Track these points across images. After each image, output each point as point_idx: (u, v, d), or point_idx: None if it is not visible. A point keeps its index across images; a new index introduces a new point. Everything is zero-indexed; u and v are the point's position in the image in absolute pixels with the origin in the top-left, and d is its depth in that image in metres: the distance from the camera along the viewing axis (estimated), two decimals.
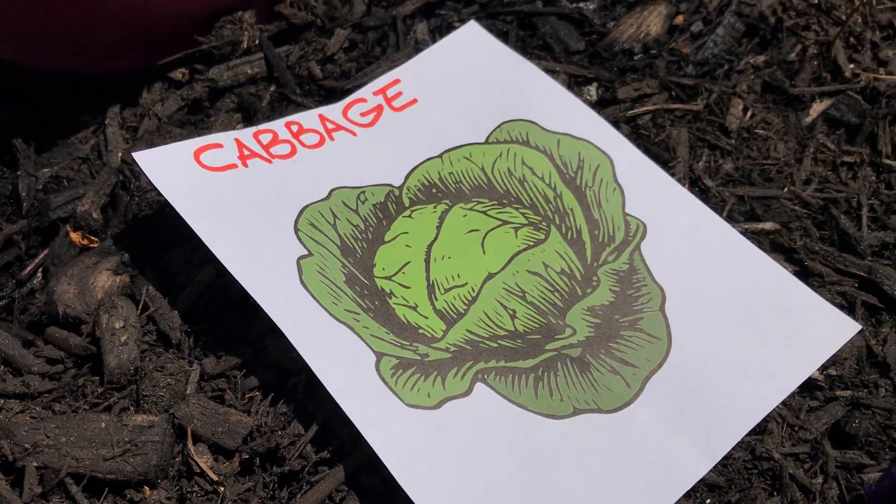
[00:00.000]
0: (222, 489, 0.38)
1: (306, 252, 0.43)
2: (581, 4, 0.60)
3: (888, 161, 0.54)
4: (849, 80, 0.58)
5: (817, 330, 0.43)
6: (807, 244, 0.48)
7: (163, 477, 0.38)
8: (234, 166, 0.46)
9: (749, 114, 0.55)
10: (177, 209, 0.43)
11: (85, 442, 0.38)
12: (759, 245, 0.47)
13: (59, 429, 0.39)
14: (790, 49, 0.59)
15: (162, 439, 0.38)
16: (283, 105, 0.53)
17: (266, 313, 0.40)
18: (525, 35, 0.59)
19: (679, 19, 0.60)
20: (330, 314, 0.41)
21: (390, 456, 0.36)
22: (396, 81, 0.53)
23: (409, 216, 0.46)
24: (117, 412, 0.40)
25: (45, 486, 0.38)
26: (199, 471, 0.38)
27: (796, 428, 0.42)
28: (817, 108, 0.56)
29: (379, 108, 0.51)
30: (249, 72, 0.54)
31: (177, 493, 0.38)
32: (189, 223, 0.42)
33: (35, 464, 0.38)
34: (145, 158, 0.44)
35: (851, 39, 0.61)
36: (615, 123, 0.52)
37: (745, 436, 0.41)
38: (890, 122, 0.56)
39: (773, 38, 0.60)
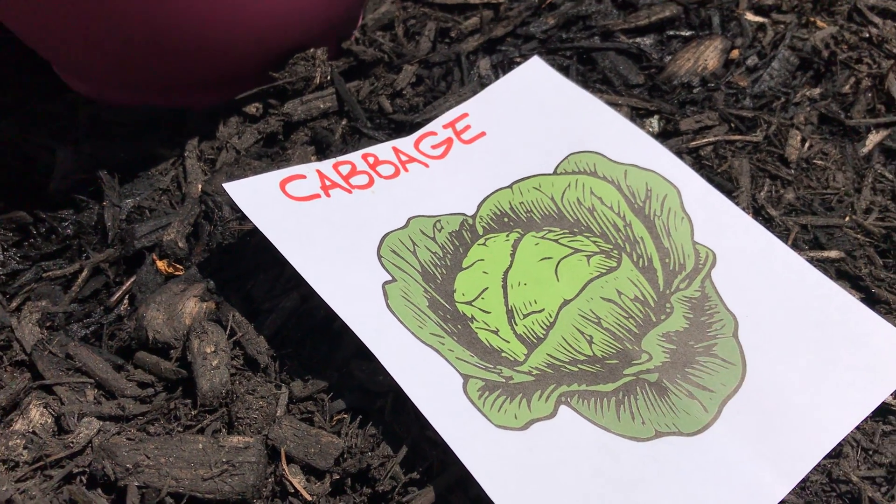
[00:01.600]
0: None
1: (390, 278, 0.45)
2: (638, 39, 0.62)
3: None
4: None
5: (888, 355, 0.44)
6: (872, 272, 0.49)
7: (258, 497, 0.40)
8: (317, 196, 0.47)
9: (807, 145, 0.56)
10: (267, 236, 0.44)
11: (184, 462, 0.40)
12: (825, 273, 0.48)
13: (158, 449, 0.40)
14: (844, 81, 0.61)
15: (258, 460, 0.40)
16: (356, 138, 0.55)
17: (356, 337, 0.41)
18: (585, 70, 0.60)
19: (735, 53, 0.62)
20: (416, 337, 0.42)
21: (484, 475, 0.37)
22: (465, 115, 0.54)
23: (484, 244, 0.48)
24: (211, 434, 0.41)
25: None
26: (293, 491, 0.40)
27: (871, 452, 0.43)
28: (873, 138, 0.58)
29: (449, 141, 0.53)
30: (322, 106, 0.56)
31: None
32: (280, 250, 0.44)
33: (136, 483, 0.39)
34: (235, 189, 0.46)
35: None
36: (678, 154, 0.54)
37: (822, 459, 0.41)
38: None
39: (827, 71, 0.61)
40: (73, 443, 0.41)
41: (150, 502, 0.39)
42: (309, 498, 0.39)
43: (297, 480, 0.40)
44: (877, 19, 0.65)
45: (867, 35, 0.64)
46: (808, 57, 0.61)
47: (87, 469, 0.41)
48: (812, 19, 0.65)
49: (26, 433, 0.42)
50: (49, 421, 0.43)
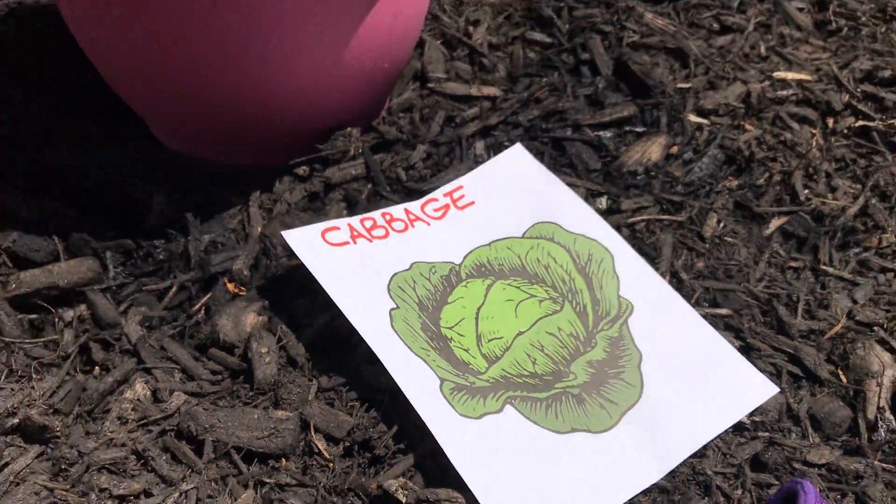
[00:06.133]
0: (332, 464, 0.57)
1: (395, 306, 0.62)
2: (600, 133, 0.80)
3: (825, 267, 0.72)
4: (802, 202, 0.76)
5: (748, 388, 0.61)
6: (751, 326, 0.67)
7: (293, 453, 0.57)
8: (347, 243, 0.65)
9: (721, 225, 0.74)
10: (311, 272, 0.62)
11: (244, 427, 0.57)
12: (715, 325, 0.65)
13: (226, 417, 0.58)
14: (759, 176, 0.78)
15: (294, 428, 0.57)
16: (377, 199, 0.73)
17: (368, 347, 0.59)
18: (556, 154, 0.78)
19: (674, 149, 0.79)
20: (410, 350, 0.60)
21: (449, 448, 0.55)
22: (460, 187, 0.72)
23: (465, 286, 0.66)
24: (262, 409, 0.59)
25: (217, 454, 0.57)
26: (317, 451, 0.57)
27: (727, 455, 0.60)
28: (776, 223, 0.74)
29: (447, 206, 0.71)
30: (354, 173, 0.74)
31: (302, 464, 0.57)
32: (319, 282, 0.62)
33: (211, 438, 0.57)
34: (290, 236, 0.64)
35: (810, 170, 0.80)
36: (617, 228, 0.71)
37: (689, 457, 0.58)
38: (830, 238, 0.74)
39: (747, 167, 0.78)
40: (166, 409, 0.59)
41: (220, 451, 0.57)
42: (328, 456, 0.57)
43: (320, 444, 0.58)
44: (794, 125, 0.83)
45: (783, 139, 0.81)
46: (733, 154, 0.79)
47: (176, 427, 0.58)
48: (742, 123, 0.83)
49: (133, 400, 0.60)
50: (149, 393, 0.61)
